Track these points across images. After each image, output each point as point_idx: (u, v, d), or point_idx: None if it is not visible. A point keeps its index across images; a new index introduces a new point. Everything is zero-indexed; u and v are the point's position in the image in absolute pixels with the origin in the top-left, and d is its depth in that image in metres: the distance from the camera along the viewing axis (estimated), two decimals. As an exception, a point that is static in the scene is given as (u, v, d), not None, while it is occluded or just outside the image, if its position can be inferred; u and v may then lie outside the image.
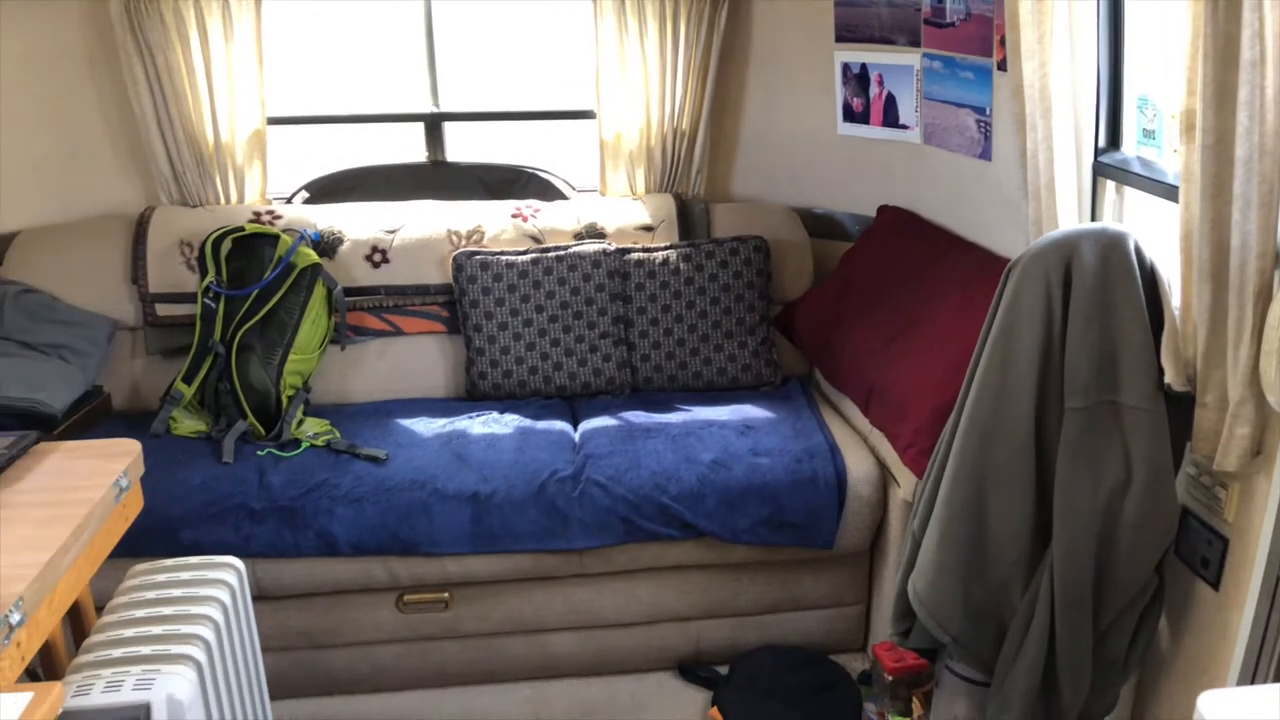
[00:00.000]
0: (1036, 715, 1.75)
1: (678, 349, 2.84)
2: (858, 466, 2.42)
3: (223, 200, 2.97)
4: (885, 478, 2.42)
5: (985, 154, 2.57)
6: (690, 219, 3.03)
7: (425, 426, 2.62)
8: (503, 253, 2.84)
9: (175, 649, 1.55)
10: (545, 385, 2.81)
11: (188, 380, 2.64)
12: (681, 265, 2.85)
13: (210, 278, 2.68)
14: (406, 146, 3.25)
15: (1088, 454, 1.67)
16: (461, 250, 2.86)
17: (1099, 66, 2.09)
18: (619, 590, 2.44)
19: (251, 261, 2.71)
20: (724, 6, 2.95)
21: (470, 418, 2.66)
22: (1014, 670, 1.75)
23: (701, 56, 2.98)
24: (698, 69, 2.99)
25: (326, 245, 2.83)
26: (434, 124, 3.20)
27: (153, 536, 2.17)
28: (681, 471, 2.39)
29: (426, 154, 3.23)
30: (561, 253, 2.84)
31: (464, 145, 3.28)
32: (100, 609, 1.74)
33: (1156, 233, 1.85)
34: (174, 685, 1.48)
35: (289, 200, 3.13)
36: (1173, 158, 1.92)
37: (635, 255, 2.87)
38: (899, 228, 2.87)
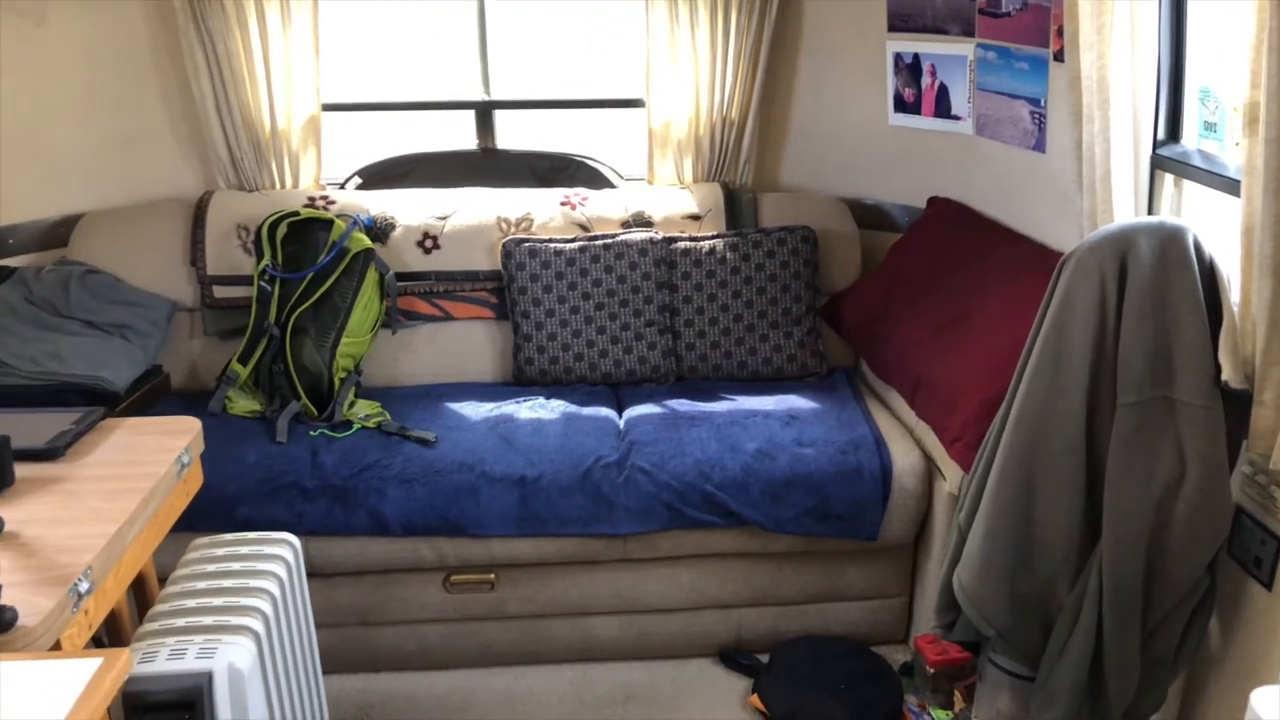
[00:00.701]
0: (1081, 712, 1.74)
1: (723, 338, 2.84)
2: (903, 459, 2.41)
3: (278, 185, 3.03)
4: (931, 470, 2.41)
5: (1039, 146, 2.54)
6: (738, 208, 3.03)
7: (473, 410, 2.65)
8: (551, 240, 2.87)
9: (235, 620, 1.60)
10: (591, 372, 2.83)
11: (243, 361, 2.71)
12: (728, 254, 2.85)
13: (266, 261, 2.74)
14: (457, 134, 3.29)
15: (1140, 450, 1.66)
16: (511, 237, 2.89)
17: (1159, 58, 2.05)
18: (662, 576, 2.47)
19: (306, 246, 2.76)
20: (776, -5, 2.94)
21: (517, 403, 2.69)
22: (1059, 666, 1.75)
23: (752, 45, 2.97)
24: (748, 58, 2.98)
25: (379, 230, 2.88)
26: (485, 112, 3.23)
27: (210, 512, 2.22)
28: (726, 460, 2.40)
29: (477, 141, 3.26)
30: (609, 241, 2.86)
31: (514, 133, 3.30)
32: (162, 581, 1.80)
33: (1216, 227, 1.82)
34: (234, 655, 1.53)
35: (342, 186, 3.18)
36: (1235, 151, 1.89)
37: (682, 244, 2.88)
38: (949, 219, 2.85)
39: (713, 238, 2.89)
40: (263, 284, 2.73)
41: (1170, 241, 1.67)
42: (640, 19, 2.99)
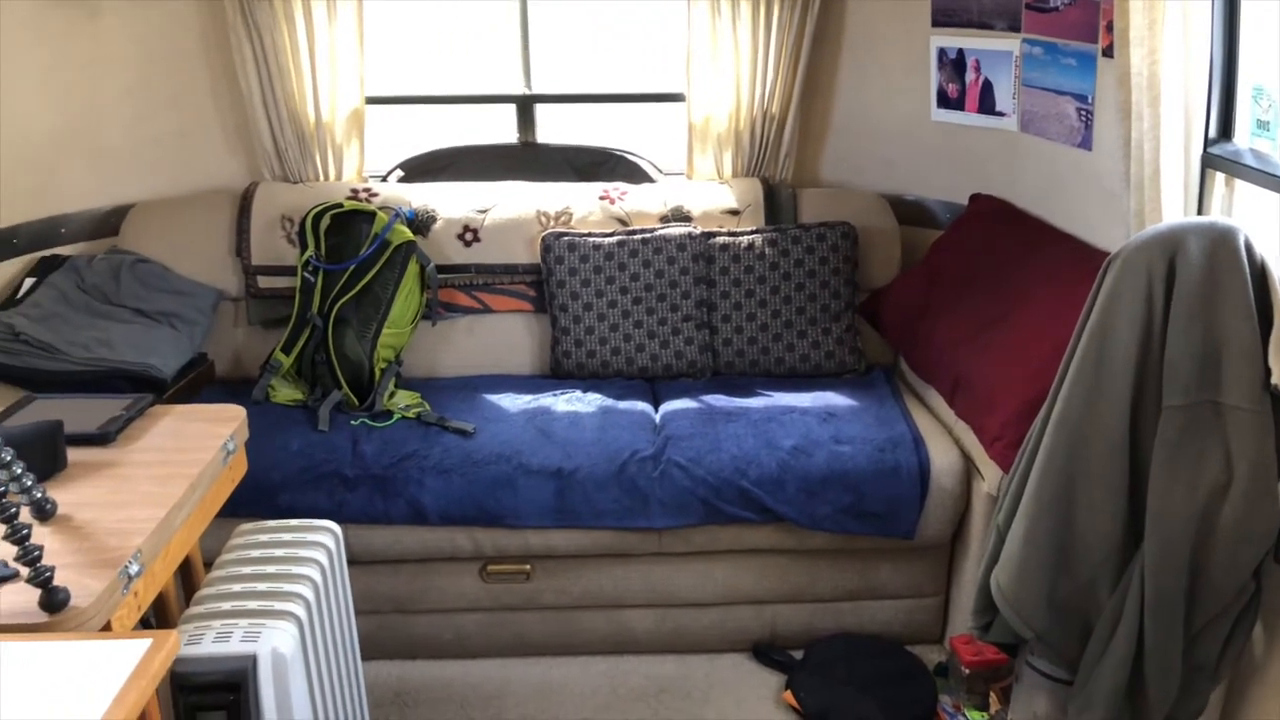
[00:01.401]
0: (1121, 717, 1.72)
1: (760, 334, 2.84)
2: (941, 458, 2.39)
3: (322, 177, 3.07)
4: (969, 470, 2.39)
5: (1085, 143, 2.50)
6: (777, 203, 3.02)
7: (511, 402, 2.67)
8: (590, 234, 2.88)
9: (278, 605, 1.63)
10: (627, 366, 2.84)
11: (286, 350, 2.75)
12: (767, 250, 2.85)
13: (309, 252, 2.78)
14: (498, 127, 3.31)
15: (1185, 454, 1.63)
16: (550, 231, 2.90)
17: (1212, 54, 2.01)
18: (696, 570, 2.47)
19: (349, 237, 2.79)
20: (819, -11, 2.92)
21: (554, 395, 2.71)
22: (1099, 670, 1.73)
23: (794, 39, 2.96)
24: (790, 52, 2.97)
25: (420, 223, 2.90)
26: (525, 105, 3.24)
27: (253, 498, 2.25)
28: (762, 456, 2.40)
29: (517, 135, 3.28)
30: (647, 235, 2.87)
31: (554, 127, 3.32)
32: (208, 565, 1.84)
33: (1268, 228, 1.79)
34: (278, 639, 1.56)
35: (384, 178, 3.22)
36: (1288, 150, 1.85)
37: (720, 239, 2.87)
38: (992, 217, 2.82)
39: (751, 233, 2.89)
40: (306, 275, 2.77)
41: (1221, 242, 1.64)
42: (681, 13, 2.99)
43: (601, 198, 2.99)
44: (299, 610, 1.64)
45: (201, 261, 2.90)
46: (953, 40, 2.88)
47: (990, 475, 2.25)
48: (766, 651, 2.51)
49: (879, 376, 2.83)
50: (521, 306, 2.95)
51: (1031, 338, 2.26)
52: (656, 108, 3.35)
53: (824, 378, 2.82)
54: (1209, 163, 2.06)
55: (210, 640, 1.54)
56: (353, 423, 2.56)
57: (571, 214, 2.95)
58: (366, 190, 2.96)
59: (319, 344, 2.71)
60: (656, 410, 2.66)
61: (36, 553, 1.30)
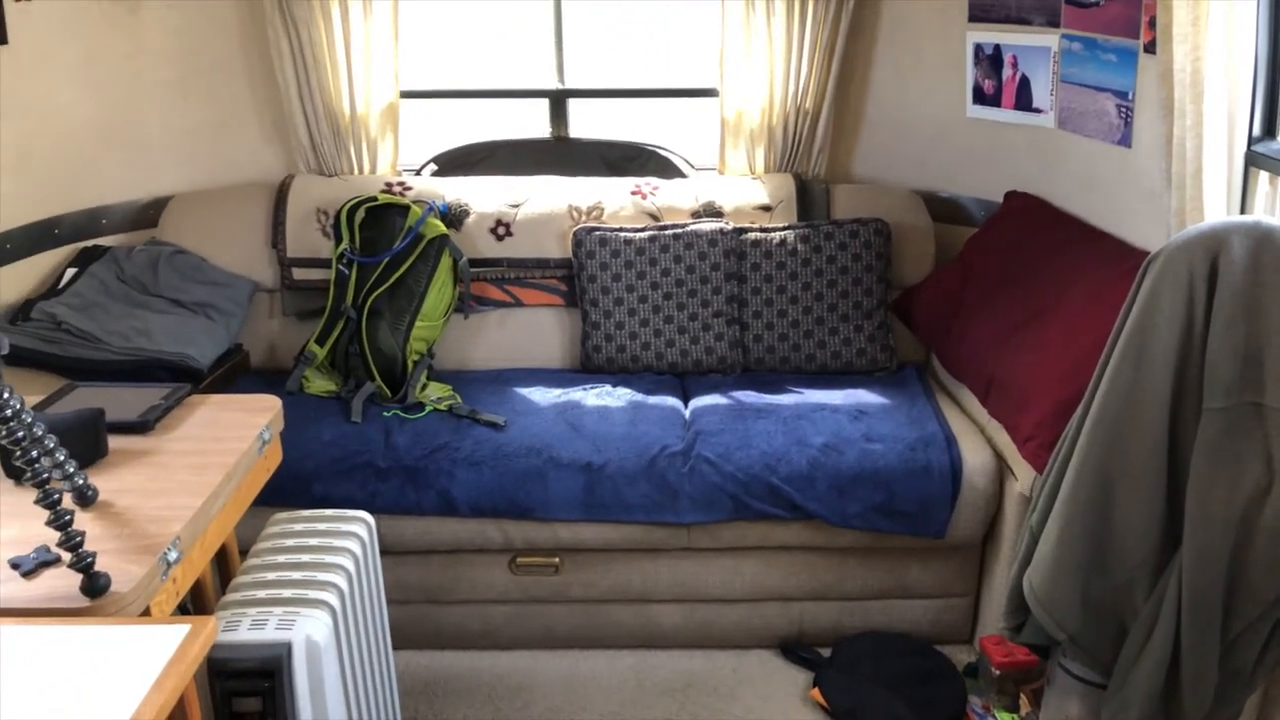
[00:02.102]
0: (1155, 721, 1.70)
1: (791, 330, 2.83)
2: (974, 457, 2.37)
3: (356, 170, 3.09)
4: (1002, 470, 2.37)
5: (1124, 140, 2.46)
6: (810, 199, 3.00)
7: (541, 396, 2.68)
8: (621, 229, 2.88)
9: (313, 594, 1.65)
10: (657, 361, 2.84)
11: (320, 342, 2.77)
12: (799, 246, 2.83)
13: (344, 245, 2.80)
14: (531, 122, 3.31)
15: (1226, 456, 1.61)
16: (582, 226, 2.91)
17: (1257, 51, 1.98)
18: (725, 566, 2.47)
19: (383, 231, 2.81)
20: (854, -16, 2.90)
21: (584, 389, 2.72)
22: (1134, 673, 1.71)
23: (829, 35, 2.94)
24: (824, 47, 2.95)
25: (454, 217, 2.92)
26: (558, 100, 3.25)
27: (287, 488, 2.28)
28: (792, 453, 2.39)
29: (550, 130, 3.28)
30: (679, 231, 2.86)
31: (587, 122, 3.32)
32: (243, 553, 1.86)
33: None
34: (312, 627, 1.58)
35: (418, 172, 3.24)
36: (1336, 149, 1.82)
37: (752, 235, 2.86)
38: (1027, 214, 2.78)
39: (784, 229, 2.87)
40: (340, 267, 2.80)
41: (1265, 242, 1.61)
42: (715, 8, 2.98)
43: (633, 193, 2.99)
44: (333, 599, 1.66)
45: (238, 253, 2.93)
46: (989, 35, 2.85)
47: (1023, 475, 2.23)
48: (794, 649, 2.51)
49: (911, 375, 2.81)
50: (552, 301, 2.96)
51: (1067, 337, 2.24)
52: (689, 103, 3.35)
53: (855, 375, 2.80)
54: (1253, 161, 2.03)
55: (246, 627, 1.56)
56: (385, 414, 2.59)
57: (603, 209, 2.95)
58: (401, 184, 2.98)
59: (353, 336, 2.74)
60: (686, 406, 2.66)
61: (79, 538, 1.32)
